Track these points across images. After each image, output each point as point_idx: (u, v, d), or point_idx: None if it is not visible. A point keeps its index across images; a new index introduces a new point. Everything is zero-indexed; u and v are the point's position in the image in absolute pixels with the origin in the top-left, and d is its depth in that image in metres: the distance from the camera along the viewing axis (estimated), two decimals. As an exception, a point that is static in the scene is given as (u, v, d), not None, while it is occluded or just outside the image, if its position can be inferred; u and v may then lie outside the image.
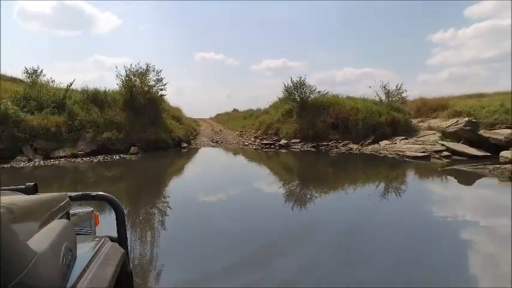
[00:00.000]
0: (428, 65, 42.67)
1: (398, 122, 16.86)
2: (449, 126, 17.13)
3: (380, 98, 19.49)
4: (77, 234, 1.21)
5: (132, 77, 15.74)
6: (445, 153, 11.48)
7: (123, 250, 1.35)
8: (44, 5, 55.09)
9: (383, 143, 15.21)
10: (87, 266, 1.04)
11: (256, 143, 17.98)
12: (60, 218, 1.19)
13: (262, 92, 58.27)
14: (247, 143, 18.12)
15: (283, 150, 15.71)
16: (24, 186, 1.33)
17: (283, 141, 16.95)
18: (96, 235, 1.58)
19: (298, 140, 17.00)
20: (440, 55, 43.80)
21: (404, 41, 48.03)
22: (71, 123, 13.17)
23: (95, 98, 14.94)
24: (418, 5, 49.35)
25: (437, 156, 11.46)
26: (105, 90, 15.75)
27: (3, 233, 0.62)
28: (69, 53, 51.35)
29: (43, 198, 1.13)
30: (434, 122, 18.02)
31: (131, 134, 14.31)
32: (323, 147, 15.44)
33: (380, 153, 13.49)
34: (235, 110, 35.38)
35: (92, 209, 1.73)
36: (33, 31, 53.00)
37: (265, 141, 17.59)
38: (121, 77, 15.76)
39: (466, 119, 16.54)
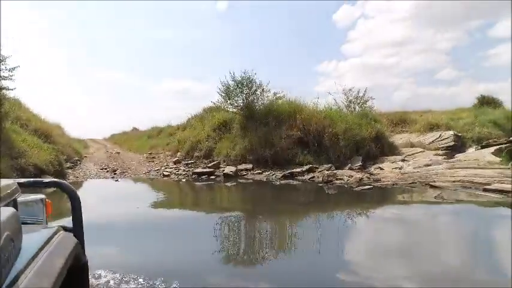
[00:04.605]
0: (316, 91, 49.59)
1: (383, 138, 12.24)
2: (433, 142, 13.69)
3: (339, 106, 14.81)
4: (26, 223, 1.08)
5: None
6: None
7: (76, 240, 1.24)
8: None
9: (386, 166, 10.12)
10: (33, 257, 0.93)
11: (182, 172, 11.23)
12: (6, 205, 1.04)
13: (162, 113, 51.75)
14: (166, 172, 11.16)
15: (230, 183, 9.43)
16: None
17: (229, 170, 10.52)
18: (47, 224, 1.45)
19: (251, 166, 10.89)
20: (325, 83, 49.76)
21: (296, 69, 52.63)
22: None
23: None
24: (308, 38, 54.37)
25: None
26: None
27: None
28: None
29: None
30: (407, 138, 14.52)
31: None
32: (305, 178, 9.50)
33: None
34: (135, 129, 29.00)
35: (43, 196, 1.56)
36: None
37: (198, 170, 10.91)
38: None
39: (451, 132, 13.59)
